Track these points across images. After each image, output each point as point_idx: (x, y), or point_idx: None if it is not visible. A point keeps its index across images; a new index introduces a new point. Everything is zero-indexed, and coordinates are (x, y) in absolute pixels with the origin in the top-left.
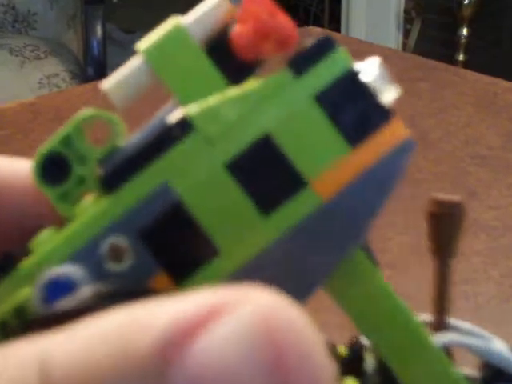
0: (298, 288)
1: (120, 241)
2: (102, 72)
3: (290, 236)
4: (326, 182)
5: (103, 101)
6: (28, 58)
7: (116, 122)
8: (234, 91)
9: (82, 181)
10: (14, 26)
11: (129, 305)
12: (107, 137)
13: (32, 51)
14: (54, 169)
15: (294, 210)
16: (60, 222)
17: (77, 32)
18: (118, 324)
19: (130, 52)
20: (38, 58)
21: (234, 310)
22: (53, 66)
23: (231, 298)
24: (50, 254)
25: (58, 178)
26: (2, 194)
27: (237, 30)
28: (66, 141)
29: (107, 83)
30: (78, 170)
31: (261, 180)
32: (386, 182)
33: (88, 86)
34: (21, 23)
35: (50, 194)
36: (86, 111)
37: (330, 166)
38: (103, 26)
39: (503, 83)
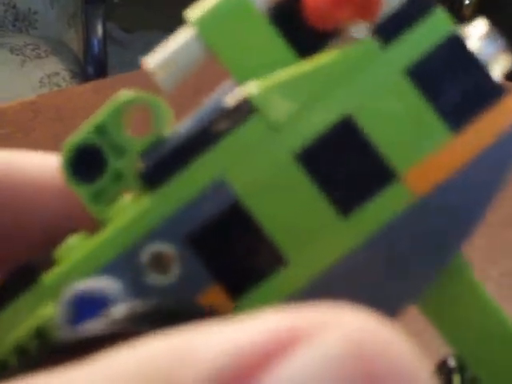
0: (383, 305)
1: (164, 248)
2: (102, 71)
3: (374, 241)
4: (421, 175)
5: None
6: (29, 57)
7: (161, 106)
8: (304, 65)
9: (119, 177)
10: (14, 25)
11: (175, 329)
12: (150, 125)
13: (32, 50)
14: (86, 163)
15: (380, 210)
16: (93, 226)
17: (77, 31)
18: (163, 356)
19: (130, 51)
20: (38, 56)
21: (317, 336)
22: (53, 65)
23: (312, 321)
24: (78, 264)
25: (91, 174)
26: (26, 192)
27: None
28: (101, 129)
29: (152, 61)
30: (114, 163)
31: (339, 173)
32: (498, 173)
33: (88, 85)
34: (21, 22)
35: (81, 192)
36: (124, 94)
37: (426, 155)
38: (104, 25)
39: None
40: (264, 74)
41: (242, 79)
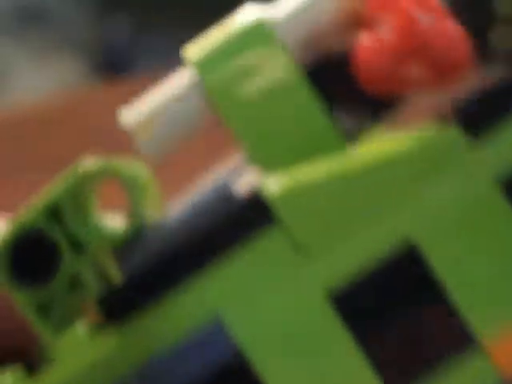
0: None
1: None
2: (122, 70)
3: None
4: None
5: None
6: (45, 54)
7: (143, 182)
8: (350, 158)
9: (75, 284)
10: (29, 21)
11: None
12: (128, 207)
13: (49, 47)
14: (30, 258)
15: None
16: (31, 346)
17: (98, 28)
18: None
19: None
20: (55, 54)
21: None
22: (71, 63)
23: None
24: None
25: (37, 276)
26: None
27: (364, 41)
28: (54, 212)
29: (132, 115)
30: (70, 263)
31: (390, 332)
32: None
33: (107, 85)
34: (37, 18)
35: (22, 300)
36: (88, 162)
37: None
38: (124, 23)
39: None
40: (292, 157)
41: (258, 161)
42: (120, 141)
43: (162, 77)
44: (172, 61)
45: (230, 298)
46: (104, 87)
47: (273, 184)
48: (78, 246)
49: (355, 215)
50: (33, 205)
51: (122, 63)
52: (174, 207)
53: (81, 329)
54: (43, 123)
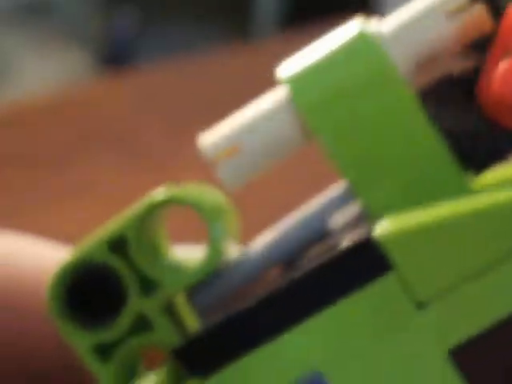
0: None
1: None
2: (127, 62)
3: None
4: None
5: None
6: (51, 47)
7: (221, 211)
8: (469, 199)
9: (141, 326)
10: (36, 13)
11: None
12: (206, 243)
13: (55, 39)
14: (91, 295)
15: None
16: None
17: (102, 20)
18: None
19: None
20: (60, 46)
21: None
22: (76, 56)
23: None
24: None
25: (97, 314)
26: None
27: (501, 70)
28: (120, 244)
29: (212, 137)
30: (137, 302)
31: None
32: None
33: (112, 77)
34: (43, 10)
35: (79, 342)
36: (159, 192)
37: None
38: (129, 16)
39: None
40: (403, 194)
41: (365, 198)
42: (124, 132)
43: (167, 69)
44: (176, 53)
45: (332, 351)
46: (109, 79)
47: (385, 226)
48: (146, 284)
49: (474, 261)
50: (96, 236)
51: (127, 55)
52: (258, 243)
53: (151, 379)
54: (49, 113)
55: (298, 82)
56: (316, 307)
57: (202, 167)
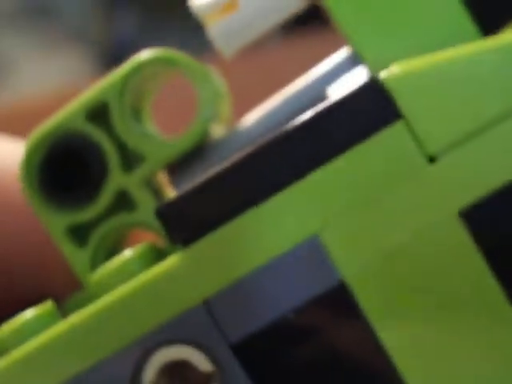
0: None
1: (194, 356)
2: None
3: None
4: None
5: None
6: (51, 47)
7: (213, 81)
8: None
9: (126, 203)
10: (36, 14)
11: None
12: (195, 113)
13: (55, 40)
14: (67, 170)
15: None
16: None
17: (103, 21)
18: None
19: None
20: (61, 47)
21: None
22: (77, 56)
23: None
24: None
25: (76, 193)
26: None
27: None
28: (100, 113)
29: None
30: (118, 178)
31: None
32: None
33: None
34: (46, 10)
35: (53, 223)
36: (145, 52)
37: None
38: (132, 16)
39: None
40: (415, 47)
41: (367, 53)
42: None
43: None
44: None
45: (335, 210)
46: None
47: (392, 70)
48: (127, 158)
49: (490, 109)
50: (74, 103)
51: (128, 56)
52: (248, 120)
53: (128, 253)
54: (49, 114)
55: None
56: (314, 161)
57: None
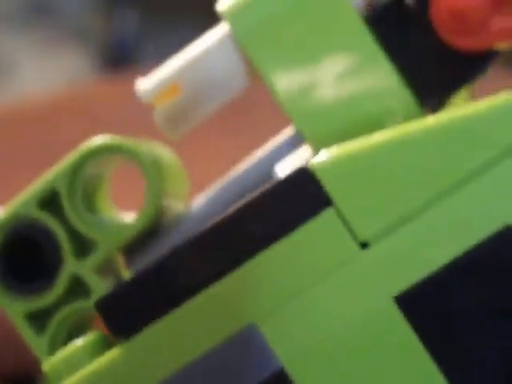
0: None
1: None
2: (130, 62)
3: None
4: None
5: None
6: (51, 47)
7: (162, 164)
8: (429, 122)
9: (77, 289)
10: (37, 14)
11: None
12: (145, 197)
13: (55, 40)
14: (22, 258)
15: None
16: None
17: (103, 21)
18: None
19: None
20: (61, 46)
21: None
22: (77, 55)
23: None
24: None
25: (31, 280)
26: None
27: None
28: (52, 200)
29: (151, 81)
30: (72, 265)
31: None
32: None
33: (115, 77)
34: (44, 11)
35: (12, 309)
36: (96, 140)
37: None
38: (132, 16)
39: None
40: (357, 129)
41: (310, 135)
42: (124, 132)
43: None
44: (176, 53)
45: (268, 299)
46: (109, 79)
47: (319, 157)
48: (80, 244)
49: (419, 193)
50: (26, 192)
51: (130, 55)
52: (201, 198)
53: (79, 343)
54: (49, 114)
55: (236, 15)
56: (249, 250)
57: (205, 166)
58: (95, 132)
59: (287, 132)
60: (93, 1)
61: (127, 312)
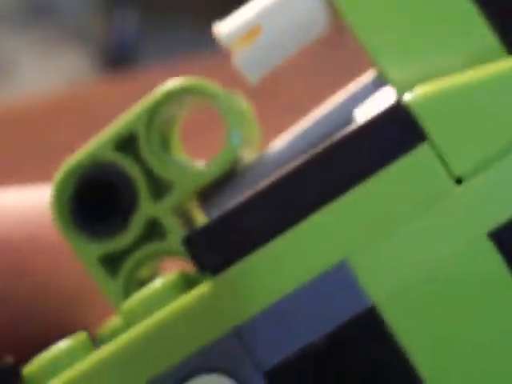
0: None
1: None
2: (130, 62)
3: None
4: None
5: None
6: (51, 47)
7: (239, 108)
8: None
9: (152, 232)
10: (37, 14)
11: None
12: (222, 142)
13: (55, 40)
14: (97, 200)
15: None
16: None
17: (103, 21)
18: None
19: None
20: (61, 46)
21: None
22: (77, 55)
23: None
24: None
25: (107, 222)
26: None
27: None
28: (129, 143)
29: (230, 23)
30: (149, 207)
31: None
32: None
33: (115, 77)
34: (44, 11)
35: (85, 253)
36: (173, 82)
37: None
38: (132, 16)
39: None
40: (440, 66)
41: (397, 77)
42: None
43: (169, 69)
44: (180, 53)
45: (362, 236)
46: (109, 79)
47: (416, 92)
48: (157, 186)
49: None
50: (103, 135)
51: (128, 56)
52: (276, 145)
53: (159, 282)
54: (49, 114)
55: None
56: (342, 186)
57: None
58: (95, 132)
59: (363, 79)
60: (93, 1)
61: (217, 246)
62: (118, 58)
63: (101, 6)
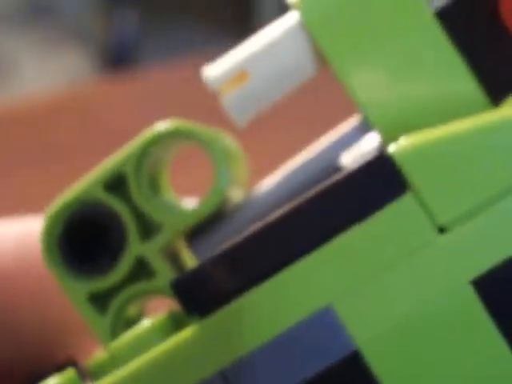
0: None
1: None
2: (130, 62)
3: None
4: None
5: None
6: (51, 47)
7: (228, 150)
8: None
9: (140, 272)
10: (37, 14)
11: None
12: (210, 182)
13: (56, 40)
14: (87, 239)
15: None
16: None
17: (103, 21)
18: None
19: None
20: (61, 46)
21: None
22: (77, 55)
23: None
24: None
25: (95, 261)
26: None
27: None
28: (118, 183)
29: (218, 68)
30: (137, 246)
31: None
32: None
33: (115, 77)
34: (44, 11)
35: (73, 291)
36: (163, 125)
37: None
38: (132, 16)
39: None
40: (421, 119)
41: (382, 123)
42: (124, 132)
43: (170, 69)
44: (180, 53)
45: (346, 283)
46: (109, 79)
47: (400, 143)
48: (145, 226)
49: (500, 181)
50: (92, 174)
51: (130, 55)
52: (263, 186)
53: (147, 323)
54: (49, 114)
55: (307, 3)
56: (327, 233)
57: (208, 166)
58: (95, 132)
59: (347, 124)
60: (93, 1)
61: (205, 290)
62: (117, 58)
63: (101, 6)
